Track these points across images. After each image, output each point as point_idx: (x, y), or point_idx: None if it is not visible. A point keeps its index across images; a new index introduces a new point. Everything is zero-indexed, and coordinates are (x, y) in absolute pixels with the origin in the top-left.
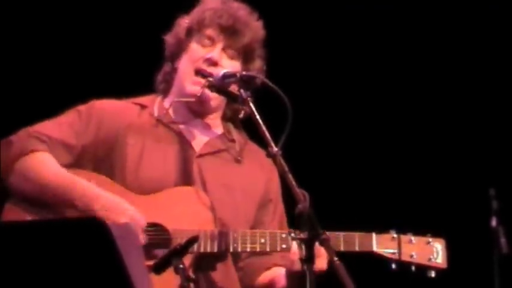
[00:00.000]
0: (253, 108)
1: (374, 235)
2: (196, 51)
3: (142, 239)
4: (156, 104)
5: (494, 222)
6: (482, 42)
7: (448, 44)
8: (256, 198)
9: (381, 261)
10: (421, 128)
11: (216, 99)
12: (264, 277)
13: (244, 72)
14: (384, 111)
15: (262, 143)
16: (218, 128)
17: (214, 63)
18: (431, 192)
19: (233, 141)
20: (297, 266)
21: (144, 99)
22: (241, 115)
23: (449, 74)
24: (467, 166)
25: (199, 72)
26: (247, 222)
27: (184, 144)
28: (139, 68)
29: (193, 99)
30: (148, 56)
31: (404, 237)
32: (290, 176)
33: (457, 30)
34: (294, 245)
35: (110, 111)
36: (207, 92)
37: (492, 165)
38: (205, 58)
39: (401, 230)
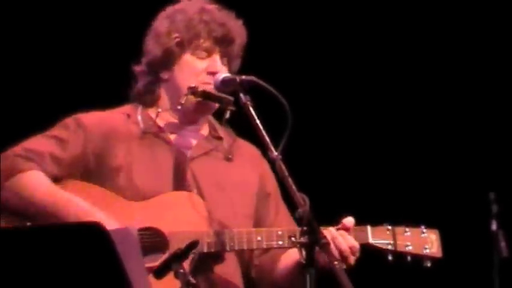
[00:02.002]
0: (253, 113)
1: (369, 227)
2: (194, 64)
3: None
4: (139, 114)
5: (494, 226)
6: (481, 44)
7: (446, 46)
8: (252, 192)
9: (379, 263)
10: (421, 131)
11: (214, 109)
12: (286, 256)
13: (243, 77)
14: (383, 114)
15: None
16: (204, 129)
17: (215, 74)
18: (431, 196)
19: (220, 138)
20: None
21: (126, 109)
22: (227, 116)
23: (449, 77)
24: (467, 170)
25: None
26: (246, 217)
27: (175, 149)
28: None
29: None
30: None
31: (399, 229)
32: (290, 181)
33: (455, 32)
34: None
35: (97, 123)
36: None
37: (492, 170)
38: (208, 72)
39: None
